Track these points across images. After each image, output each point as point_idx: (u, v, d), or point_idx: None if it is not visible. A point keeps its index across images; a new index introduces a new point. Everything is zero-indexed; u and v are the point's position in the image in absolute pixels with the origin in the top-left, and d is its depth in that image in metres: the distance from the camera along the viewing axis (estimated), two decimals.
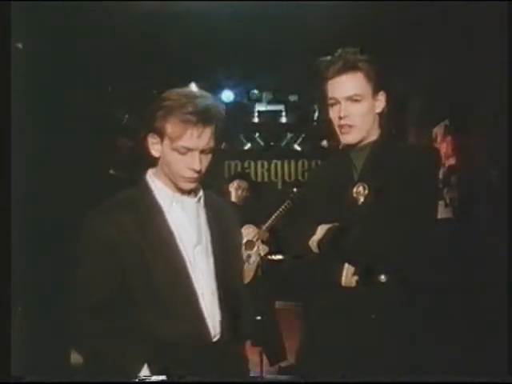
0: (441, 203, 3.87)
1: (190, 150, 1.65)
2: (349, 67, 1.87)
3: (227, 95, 6.34)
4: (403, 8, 3.53)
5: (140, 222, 1.69)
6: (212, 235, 1.77)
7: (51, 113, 3.38)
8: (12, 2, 1.93)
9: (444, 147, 4.07)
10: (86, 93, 3.88)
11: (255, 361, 3.74)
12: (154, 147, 1.71)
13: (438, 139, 4.27)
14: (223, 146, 7.17)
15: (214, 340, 1.71)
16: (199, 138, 1.64)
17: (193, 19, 3.99)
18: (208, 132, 1.66)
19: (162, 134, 1.67)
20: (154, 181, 1.76)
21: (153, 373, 1.63)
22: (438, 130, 4.31)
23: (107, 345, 1.65)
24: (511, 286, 2.13)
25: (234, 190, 4.65)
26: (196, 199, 1.77)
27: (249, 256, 4.29)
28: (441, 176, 3.85)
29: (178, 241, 1.71)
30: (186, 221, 1.74)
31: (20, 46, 2.64)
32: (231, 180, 4.78)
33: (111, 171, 3.85)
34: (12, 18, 1.91)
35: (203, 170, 1.69)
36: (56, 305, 1.79)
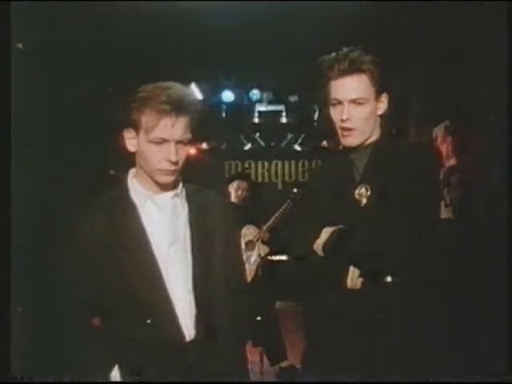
0: (441, 203, 3.87)
1: (165, 140, 1.64)
2: (354, 69, 1.84)
3: (227, 95, 6.34)
4: (403, 8, 3.53)
5: (113, 222, 1.69)
6: (192, 234, 1.74)
7: (51, 113, 3.37)
8: (12, 1, 1.93)
9: (444, 147, 4.07)
10: (86, 93, 3.88)
11: (255, 361, 3.74)
12: (130, 142, 1.70)
13: (438, 139, 4.27)
14: (223, 146, 7.18)
15: (188, 341, 1.68)
16: (173, 127, 1.63)
17: (193, 19, 3.99)
18: (182, 122, 1.64)
19: (137, 127, 1.66)
20: (133, 180, 1.75)
21: (125, 374, 1.62)
22: (438, 131, 4.31)
23: (78, 345, 1.66)
24: (511, 286, 2.12)
25: (234, 191, 4.65)
26: (171, 195, 1.74)
27: (249, 256, 4.29)
28: (441, 176, 3.83)
29: (151, 240, 1.69)
30: (160, 219, 1.72)
31: (20, 46, 2.64)
32: (231, 180, 4.78)
33: (112, 171, 3.85)
34: (12, 18, 1.91)
35: (180, 161, 1.67)
36: (55, 305, 1.78)
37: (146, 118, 1.64)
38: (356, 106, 1.86)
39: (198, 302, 1.70)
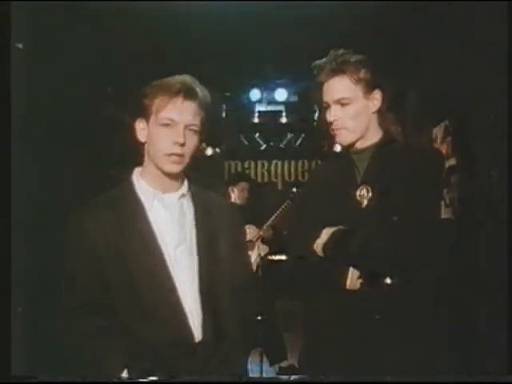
0: (441, 203, 3.86)
1: (173, 121, 1.67)
2: (335, 71, 1.88)
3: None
4: (403, 8, 3.53)
5: (120, 221, 1.68)
6: (198, 234, 1.74)
7: (51, 113, 3.37)
8: (12, 1, 1.93)
9: (444, 147, 4.06)
10: (86, 93, 3.89)
11: (255, 361, 3.74)
12: (141, 133, 1.72)
13: (438, 139, 4.26)
14: (223, 146, 7.18)
15: (197, 341, 1.67)
16: (182, 109, 1.67)
17: (193, 19, 3.99)
18: (190, 105, 1.68)
19: (148, 114, 1.69)
20: (139, 180, 1.75)
21: (134, 376, 1.60)
22: (437, 131, 4.31)
23: (86, 346, 1.64)
24: (511, 286, 2.12)
25: (235, 191, 4.65)
26: (179, 195, 1.75)
27: (249, 256, 4.30)
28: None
29: (159, 240, 1.68)
30: (168, 219, 1.71)
31: (20, 46, 2.64)
32: (231, 180, 4.79)
33: (111, 172, 3.85)
34: (12, 18, 1.91)
35: (188, 148, 1.69)
36: (56, 305, 1.78)
37: (157, 100, 1.68)
38: (342, 106, 1.89)
39: (204, 303, 1.70)
